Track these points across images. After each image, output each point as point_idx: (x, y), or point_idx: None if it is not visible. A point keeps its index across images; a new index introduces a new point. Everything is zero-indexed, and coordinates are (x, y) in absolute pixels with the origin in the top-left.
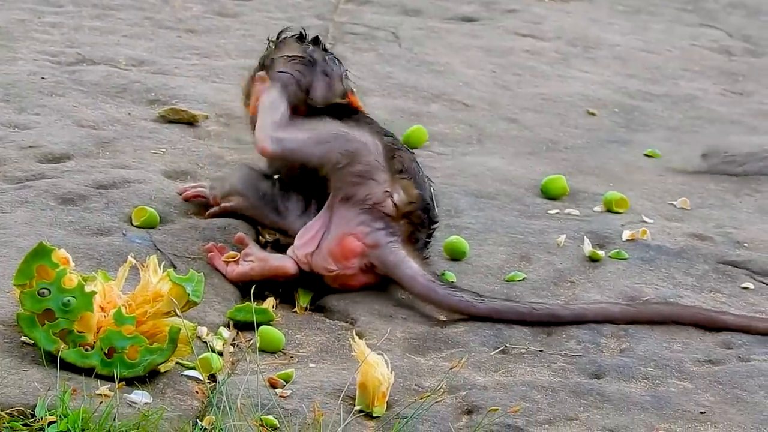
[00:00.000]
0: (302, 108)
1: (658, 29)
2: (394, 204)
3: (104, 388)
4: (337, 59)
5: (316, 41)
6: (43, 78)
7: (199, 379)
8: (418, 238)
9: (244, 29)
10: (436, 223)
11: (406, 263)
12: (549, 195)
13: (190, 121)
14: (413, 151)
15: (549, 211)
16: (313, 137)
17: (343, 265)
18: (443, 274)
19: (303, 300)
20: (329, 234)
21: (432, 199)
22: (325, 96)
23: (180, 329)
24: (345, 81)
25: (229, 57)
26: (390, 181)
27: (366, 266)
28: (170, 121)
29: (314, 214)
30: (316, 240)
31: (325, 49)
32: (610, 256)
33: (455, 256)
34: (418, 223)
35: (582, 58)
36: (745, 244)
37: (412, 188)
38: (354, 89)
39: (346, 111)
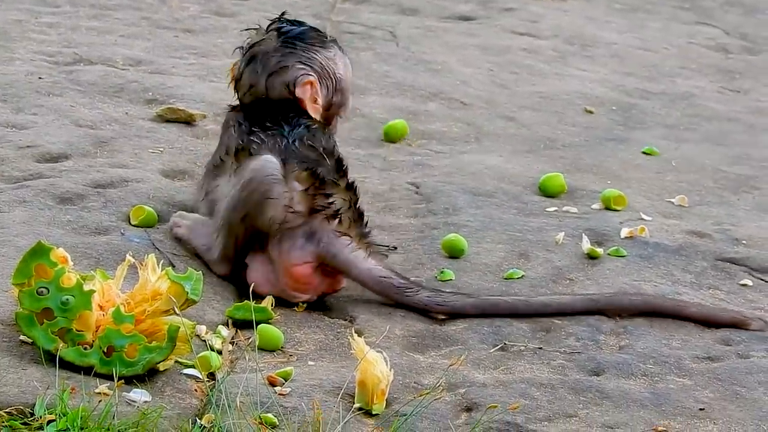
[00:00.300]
0: (244, 99)
1: (655, 27)
2: (294, 212)
3: (103, 387)
4: (302, 50)
5: (278, 31)
6: (40, 78)
7: (198, 377)
8: (340, 210)
9: (242, 29)
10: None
11: (355, 263)
12: (547, 193)
13: (188, 121)
14: (394, 144)
15: (547, 209)
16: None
17: (312, 290)
18: (442, 272)
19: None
20: (278, 275)
21: (325, 157)
22: (248, 90)
23: (179, 328)
24: (290, 74)
25: (227, 56)
26: (285, 187)
27: (328, 272)
28: (168, 121)
29: None
30: (264, 279)
31: (287, 39)
32: (608, 254)
33: (453, 253)
34: (328, 201)
35: (579, 56)
36: (744, 241)
37: (301, 173)
38: (305, 81)
39: (287, 107)
